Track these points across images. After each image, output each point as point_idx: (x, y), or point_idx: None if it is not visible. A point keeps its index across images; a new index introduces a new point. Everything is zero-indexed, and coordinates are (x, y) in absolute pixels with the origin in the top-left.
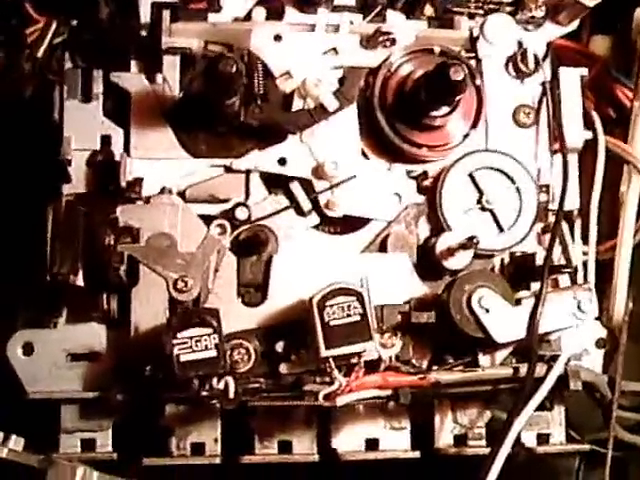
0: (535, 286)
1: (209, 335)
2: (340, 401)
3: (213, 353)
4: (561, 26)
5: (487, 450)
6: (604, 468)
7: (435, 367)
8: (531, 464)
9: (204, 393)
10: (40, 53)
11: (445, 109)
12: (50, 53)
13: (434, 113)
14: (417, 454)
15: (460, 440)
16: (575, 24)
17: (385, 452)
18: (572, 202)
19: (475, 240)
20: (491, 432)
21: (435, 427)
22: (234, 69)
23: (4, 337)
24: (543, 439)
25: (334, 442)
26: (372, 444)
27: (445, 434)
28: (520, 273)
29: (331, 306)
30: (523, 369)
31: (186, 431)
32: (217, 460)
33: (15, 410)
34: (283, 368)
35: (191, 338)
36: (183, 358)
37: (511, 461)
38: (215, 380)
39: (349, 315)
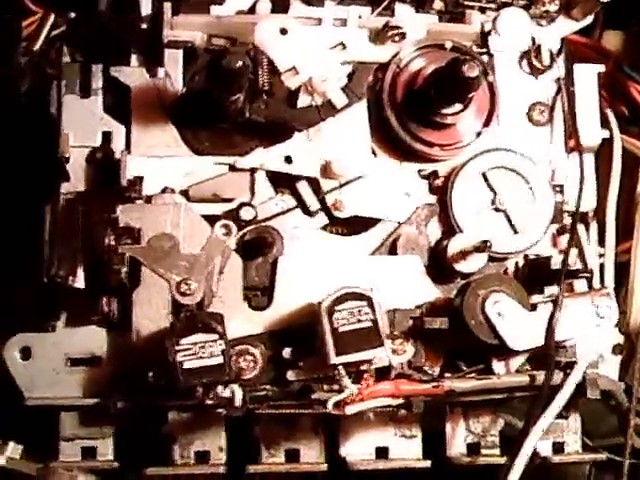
0: (550, 290)
1: (214, 341)
2: (350, 410)
3: (219, 360)
4: (575, 21)
5: (501, 459)
6: (616, 475)
7: (447, 374)
8: (541, 470)
9: (209, 401)
10: (37, 46)
11: (457, 106)
12: (47, 46)
13: (446, 110)
14: (428, 463)
15: (473, 449)
16: (589, 19)
17: (395, 461)
18: (588, 203)
19: (488, 244)
20: (502, 437)
21: (447, 435)
22: (239, 65)
23: (1, 341)
24: (558, 447)
25: (343, 450)
26: (382, 452)
27: (457, 442)
28: (535, 277)
29: (340, 311)
30: (539, 376)
31: (190, 439)
32: (222, 469)
33: (14, 416)
34: (290, 375)
35: (195, 344)
36: (187, 365)
37: None
38: (220, 388)
39: (359, 320)
